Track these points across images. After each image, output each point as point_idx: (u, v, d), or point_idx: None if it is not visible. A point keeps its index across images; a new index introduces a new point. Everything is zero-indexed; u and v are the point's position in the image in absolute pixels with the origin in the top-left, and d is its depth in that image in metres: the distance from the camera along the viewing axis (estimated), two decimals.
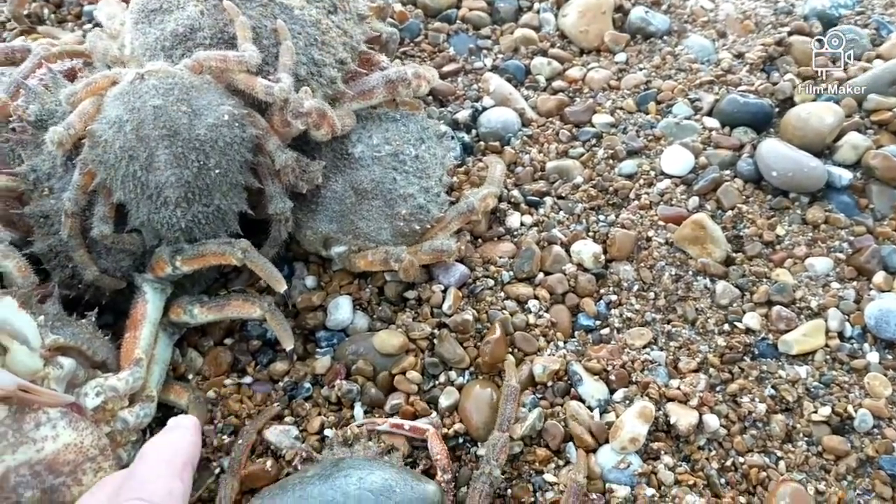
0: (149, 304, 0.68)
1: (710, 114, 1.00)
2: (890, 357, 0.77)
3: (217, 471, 0.67)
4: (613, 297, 0.79)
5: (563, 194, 0.86)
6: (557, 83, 1.00)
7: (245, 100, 0.70)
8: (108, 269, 0.71)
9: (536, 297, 0.78)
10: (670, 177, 0.89)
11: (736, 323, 0.80)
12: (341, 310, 0.74)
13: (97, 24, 0.87)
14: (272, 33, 0.71)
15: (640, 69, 1.03)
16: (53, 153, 0.68)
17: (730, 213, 0.89)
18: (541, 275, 0.79)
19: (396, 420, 0.68)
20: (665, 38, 1.12)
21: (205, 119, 0.65)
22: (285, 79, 0.67)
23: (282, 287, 0.67)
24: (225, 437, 0.69)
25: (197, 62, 0.67)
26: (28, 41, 0.96)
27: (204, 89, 0.67)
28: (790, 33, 1.04)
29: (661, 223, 0.84)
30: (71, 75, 0.80)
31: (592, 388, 0.72)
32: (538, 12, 1.08)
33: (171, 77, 0.66)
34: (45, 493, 0.57)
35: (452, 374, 0.73)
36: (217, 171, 0.66)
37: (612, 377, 0.73)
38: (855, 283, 0.82)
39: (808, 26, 1.05)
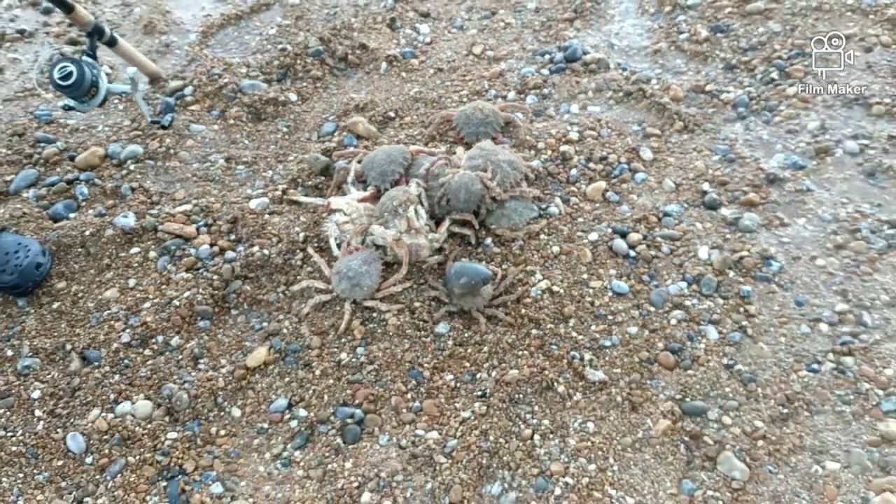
0: None
1: None
2: None
3: None
4: None
5: None
6: None
7: (486, 187, 2.74)
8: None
9: None
10: None
11: None
12: None
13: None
14: (493, 170, 2.77)
15: None
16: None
17: None
18: None
19: None
20: None
21: (476, 186, 2.67)
22: (497, 189, 2.72)
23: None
24: None
25: (481, 178, 2.75)
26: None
27: (476, 181, 2.70)
28: None
29: None
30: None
31: None
32: None
33: (469, 176, 2.74)
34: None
35: None
36: (474, 196, 2.67)
37: None
38: None
39: None
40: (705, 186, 2.87)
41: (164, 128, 3.00)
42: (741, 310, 2.48)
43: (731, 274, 2.58)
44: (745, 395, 2.26)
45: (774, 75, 3.31)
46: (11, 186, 2.97)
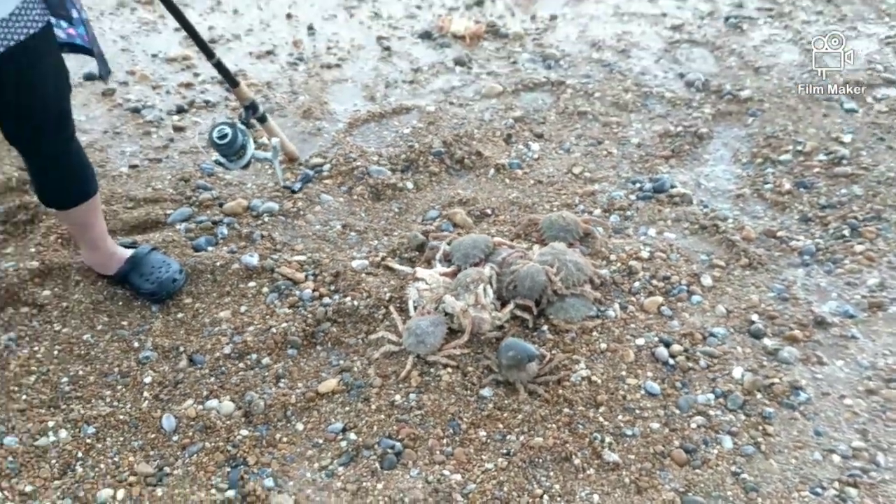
0: None
1: None
2: None
3: None
4: None
5: None
6: None
7: (550, 280, 3.14)
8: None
9: None
10: None
11: None
12: None
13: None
14: (559, 267, 3.16)
15: None
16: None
17: None
18: None
19: None
20: None
21: (540, 277, 3.08)
22: (559, 284, 3.11)
23: None
24: None
25: (547, 271, 3.15)
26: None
27: (541, 273, 3.10)
28: None
29: None
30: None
31: None
32: None
33: (537, 268, 3.14)
34: None
35: None
36: (538, 286, 3.08)
37: None
38: None
39: None
40: (754, 317, 3.13)
41: (293, 192, 3.62)
42: (760, 428, 2.69)
43: (759, 396, 2.80)
44: (744, 501, 2.46)
45: (846, 232, 3.56)
46: (169, 219, 3.63)
